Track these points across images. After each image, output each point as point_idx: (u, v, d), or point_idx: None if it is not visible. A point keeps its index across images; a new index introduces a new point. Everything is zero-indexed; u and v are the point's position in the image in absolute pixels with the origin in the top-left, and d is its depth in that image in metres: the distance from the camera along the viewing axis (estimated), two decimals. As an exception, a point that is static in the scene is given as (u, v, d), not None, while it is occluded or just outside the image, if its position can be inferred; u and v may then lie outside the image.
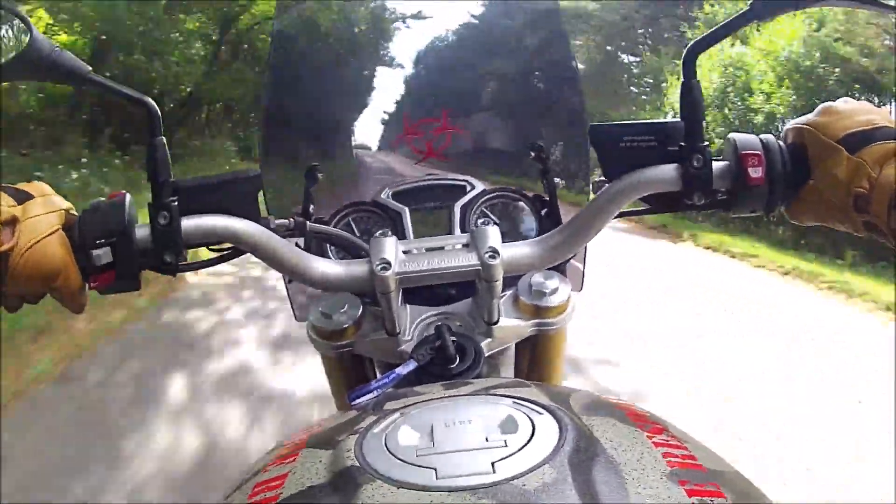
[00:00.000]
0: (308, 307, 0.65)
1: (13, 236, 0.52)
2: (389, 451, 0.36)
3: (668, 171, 0.58)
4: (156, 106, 0.57)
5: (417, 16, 0.81)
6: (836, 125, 0.55)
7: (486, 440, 0.36)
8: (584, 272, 0.78)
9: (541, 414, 0.39)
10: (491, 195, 0.75)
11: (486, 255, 0.56)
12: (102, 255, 0.55)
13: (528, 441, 0.36)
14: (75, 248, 0.55)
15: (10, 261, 0.52)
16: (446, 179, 0.77)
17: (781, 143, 0.58)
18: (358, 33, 0.86)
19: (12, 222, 0.52)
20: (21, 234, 0.52)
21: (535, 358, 0.70)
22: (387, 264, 0.56)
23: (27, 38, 0.56)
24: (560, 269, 0.65)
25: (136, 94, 0.58)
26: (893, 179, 0.51)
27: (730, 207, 0.59)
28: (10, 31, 0.58)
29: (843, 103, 0.57)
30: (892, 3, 0.53)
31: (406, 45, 0.82)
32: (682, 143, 0.57)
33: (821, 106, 0.58)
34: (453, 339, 0.59)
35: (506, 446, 0.35)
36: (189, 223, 0.57)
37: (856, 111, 0.56)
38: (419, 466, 0.34)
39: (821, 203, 0.56)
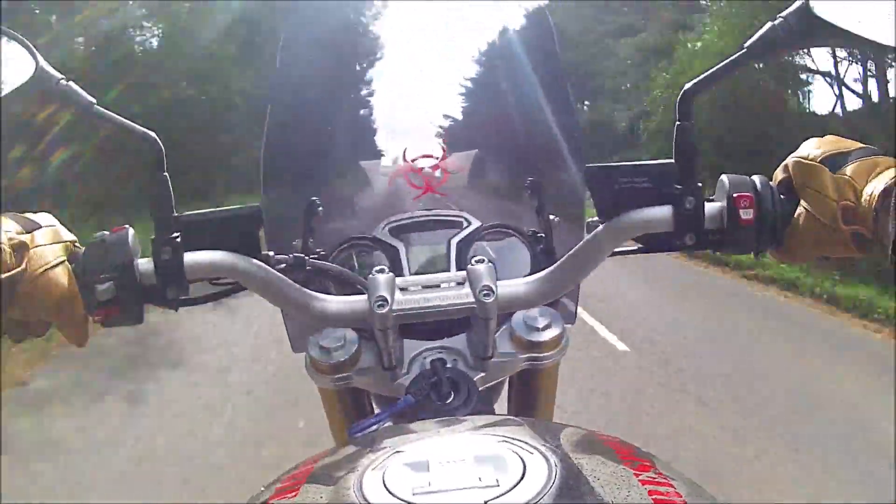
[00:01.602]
0: (306, 340, 0.66)
1: (22, 261, 0.53)
2: (388, 490, 0.37)
3: (662, 212, 0.59)
4: (159, 141, 0.58)
5: (417, 54, 0.83)
6: (816, 150, 0.57)
7: (479, 479, 0.37)
8: (576, 306, 0.79)
9: (531, 453, 0.40)
10: (487, 231, 0.76)
11: (482, 294, 0.57)
12: (106, 289, 0.56)
13: (519, 480, 0.37)
14: (79, 282, 0.56)
15: (18, 286, 0.52)
16: (443, 215, 0.79)
17: (772, 183, 0.60)
18: (358, 70, 0.88)
19: (21, 248, 0.53)
20: (29, 261, 0.53)
21: (527, 391, 0.71)
22: (384, 301, 0.57)
23: (33, 68, 0.56)
24: (553, 304, 0.67)
25: (141, 128, 0.58)
26: (878, 187, 0.52)
27: (720, 247, 0.60)
28: (14, 60, 0.57)
29: (827, 136, 0.59)
30: (890, 43, 0.53)
31: (405, 83, 0.84)
32: (677, 185, 0.59)
33: (805, 142, 0.60)
34: (448, 375, 0.60)
35: (497, 485, 0.37)
36: (191, 258, 0.58)
37: (836, 140, 0.58)
38: None
39: (810, 230, 0.57)
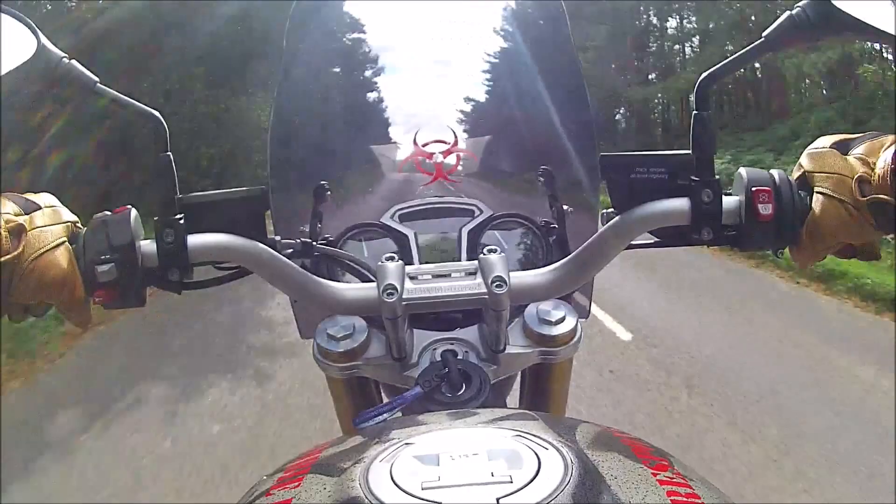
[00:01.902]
0: (314, 327, 0.65)
1: (19, 245, 0.52)
2: (395, 483, 0.36)
3: (678, 205, 0.57)
4: (163, 120, 0.57)
5: (428, 38, 0.82)
6: (827, 141, 0.58)
7: (492, 475, 0.36)
8: (590, 300, 0.77)
9: (546, 449, 0.38)
10: (498, 220, 0.74)
11: (494, 285, 0.56)
12: (107, 271, 0.54)
13: (534, 477, 0.35)
14: (80, 263, 0.54)
15: (15, 269, 0.51)
16: (454, 203, 0.77)
17: (790, 178, 0.58)
18: (369, 54, 0.87)
19: (18, 231, 0.52)
20: (27, 244, 0.52)
21: (539, 386, 0.70)
22: (393, 290, 0.56)
23: (35, 46, 0.54)
24: (566, 297, 0.65)
25: (145, 108, 0.57)
26: (890, 155, 0.52)
27: (738, 243, 0.58)
28: (15, 39, 0.55)
29: (835, 135, 0.59)
30: None
31: (417, 67, 0.82)
32: (693, 177, 0.57)
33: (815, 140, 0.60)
34: (459, 366, 0.59)
35: (511, 482, 0.35)
36: (195, 241, 0.57)
37: (844, 133, 0.59)
38: (424, 500, 0.34)
39: (828, 216, 0.55)
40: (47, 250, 0.53)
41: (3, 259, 0.50)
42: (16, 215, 0.53)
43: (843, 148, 0.56)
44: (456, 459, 0.37)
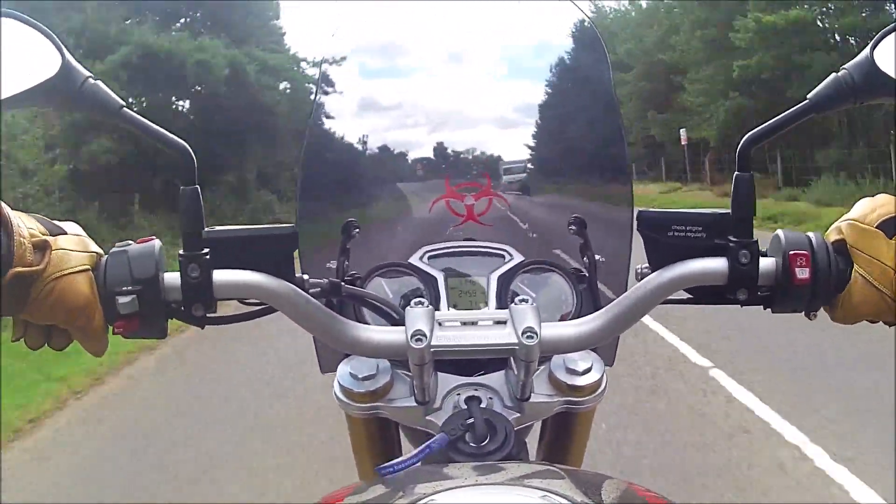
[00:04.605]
0: (335, 360, 0.64)
1: (42, 261, 0.51)
2: None
3: (716, 265, 0.57)
4: (191, 151, 0.55)
5: (466, 78, 0.81)
6: (872, 214, 0.56)
7: None
8: (615, 349, 0.77)
9: None
10: (529, 267, 0.74)
11: (525, 336, 0.55)
12: (128, 302, 0.53)
13: None
14: (100, 291, 0.53)
15: (36, 285, 0.50)
16: (484, 247, 0.76)
17: (827, 242, 0.58)
18: (403, 93, 0.86)
19: (43, 246, 0.51)
20: (50, 262, 0.51)
21: (560, 435, 0.69)
22: (422, 336, 0.55)
23: (59, 63, 0.52)
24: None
25: (173, 137, 0.55)
26: None
27: (772, 304, 0.58)
28: (38, 53, 0.53)
29: (880, 196, 0.58)
30: None
31: (452, 107, 0.82)
32: (732, 238, 0.57)
33: (858, 202, 0.58)
34: (485, 416, 0.58)
35: None
36: (220, 277, 0.56)
37: (890, 200, 0.57)
38: None
39: (864, 295, 0.55)
40: (70, 273, 0.52)
41: (23, 270, 0.49)
42: (41, 233, 0.52)
43: (888, 228, 0.55)
44: None
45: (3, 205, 0.49)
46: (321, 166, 0.76)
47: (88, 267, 0.54)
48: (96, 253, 0.56)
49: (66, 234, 0.54)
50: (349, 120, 0.80)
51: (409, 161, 0.82)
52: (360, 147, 0.79)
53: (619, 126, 0.77)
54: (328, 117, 0.78)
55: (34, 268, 0.50)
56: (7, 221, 0.48)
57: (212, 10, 14.56)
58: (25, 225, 0.51)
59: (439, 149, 0.81)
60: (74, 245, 0.54)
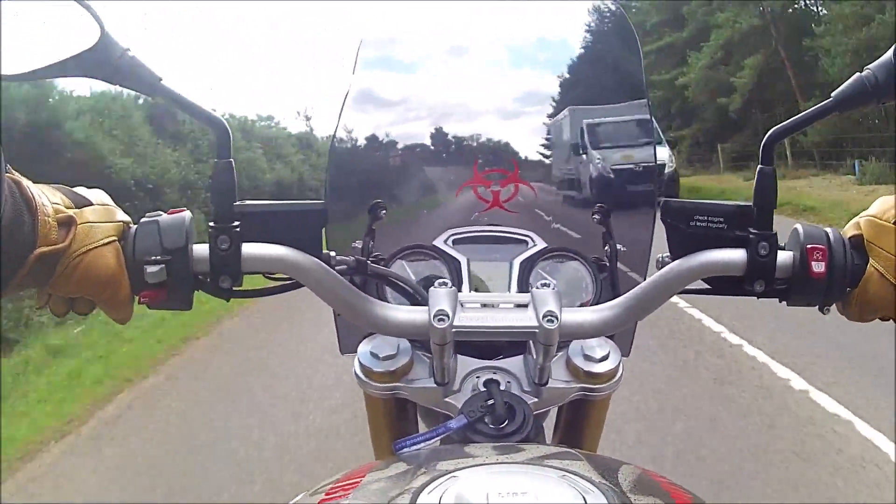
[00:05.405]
0: (355, 341, 0.64)
1: (67, 237, 0.50)
2: None
3: (735, 256, 0.57)
4: (227, 126, 0.56)
5: (496, 68, 0.81)
6: (891, 212, 0.56)
7: None
8: (632, 339, 0.77)
9: (591, 491, 0.39)
10: (551, 254, 0.74)
11: (545, 319, 0.56)
12: (156, 272, 0.54)
13: None
14: (128, 261, 0.54)
15: (61, 262, 0.50)
16: (508, 232, 0.77)
17: (844, 237, 0.58)
18: (433, 82, 0.86)
19: (68, 222, 0.51)
20: (75, 238, 0.51)
21: (576, 421, 0.70)
22: (445, 316, 0.56)
23: (98, 35, 0.52)
24: (610, 335, 0.65)
25: (208, 112, 0.56)
26: None
27: (787, 297, 0.59)
28: (78, 25, 0.53)
29: None
30: None
31: (482, 95, 0.82)
32: (752, 230, 0.57)
33: (877, 199, 0.59)
34: (505, 399, 0.59)
35: None
36: (249, 250, 0.57)
37: None
38: None
39: (878, 292, 0.56)
40: (95, 248, 0.52)
41: (48, 249, 0.49)
42: (66, 208, 0.52)
43: None
44: (504, 497, 0.38)
45: (26, 181, 0.49)
46: (352, 146, 0.77)
47: (115, 238, 0.54)
48: (123, 222, 0.56)
49: (91, 204, 0.54)
50: (381, 107, 0.81)
51: (439, 145, 0.83)
52: (390, 132, 0.80)
53: (650, 120, 0.77)
54: (360, 103, 0.79)
55: (59, 245, 0.49)
56: (31, 200, 0.48)
57: None
58: (50, 200, 0.50)
59: (470, 135, 0.82)
60: (100, 216, 0.54)
